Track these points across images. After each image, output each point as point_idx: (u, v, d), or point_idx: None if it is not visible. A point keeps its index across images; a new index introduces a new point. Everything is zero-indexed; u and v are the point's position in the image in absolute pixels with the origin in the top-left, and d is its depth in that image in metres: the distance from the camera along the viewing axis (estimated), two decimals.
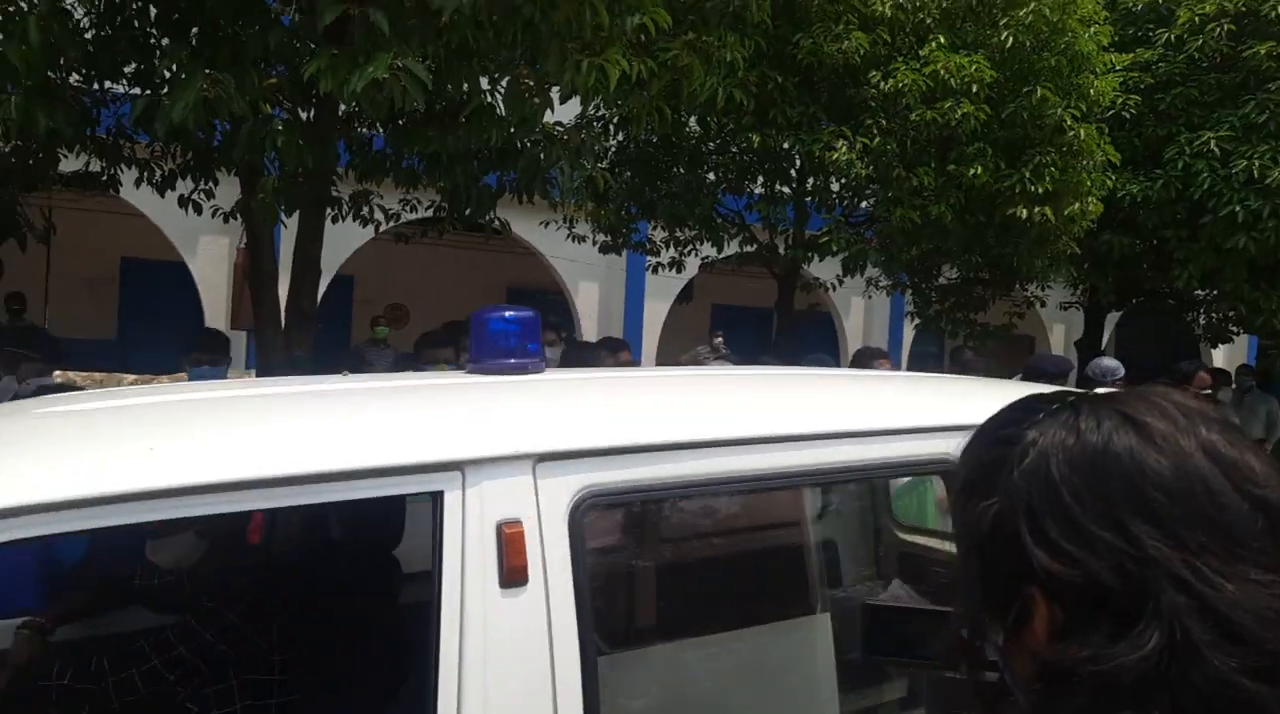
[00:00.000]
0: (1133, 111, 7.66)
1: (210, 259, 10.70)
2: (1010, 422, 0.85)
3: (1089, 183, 6.52)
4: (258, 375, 5.16)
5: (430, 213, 6.26)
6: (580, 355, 4.70)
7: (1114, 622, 0.71)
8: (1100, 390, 0.91)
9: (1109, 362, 6.80)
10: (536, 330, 1.83)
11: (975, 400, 1.96)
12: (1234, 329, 9.16)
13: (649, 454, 1.56)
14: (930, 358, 16.42)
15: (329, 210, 5.27)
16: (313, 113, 4.62)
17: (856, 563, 2.50)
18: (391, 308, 12.78)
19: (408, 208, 6.37)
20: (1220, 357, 14.02)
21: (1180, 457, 0.74)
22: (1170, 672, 0.69)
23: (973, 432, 0.91)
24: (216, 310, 10.79)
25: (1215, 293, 8.35)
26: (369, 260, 11.12)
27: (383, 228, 6.22)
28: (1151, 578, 0.71)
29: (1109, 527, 0.73)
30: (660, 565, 2.11)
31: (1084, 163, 6.38)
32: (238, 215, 4.99)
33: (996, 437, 0.85)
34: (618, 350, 4.86)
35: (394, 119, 4.71)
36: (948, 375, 3.83)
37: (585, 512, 1.48)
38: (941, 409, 1.90)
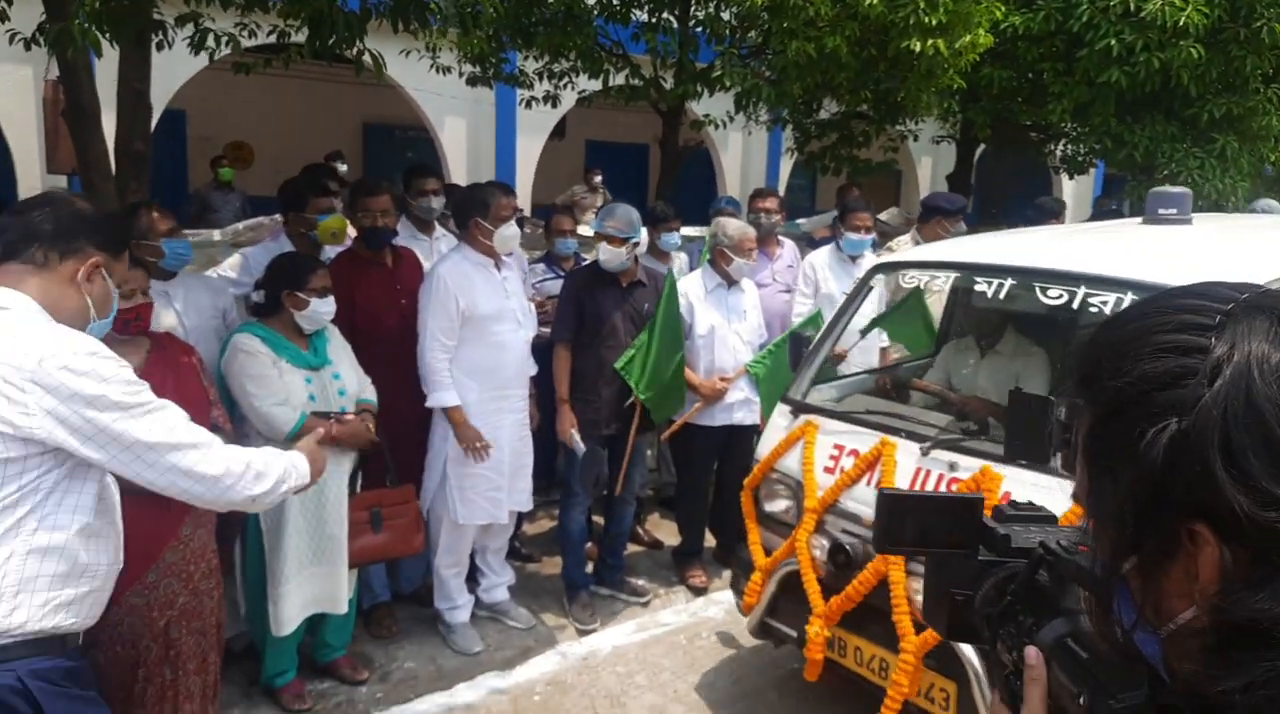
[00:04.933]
0: None
1: (11, 92, 9.26)
2: (1179, 326, 0.68)
3: (979, 14, 6.34)
4: None
5: (273, 39, 5.48)
6: (477, 194, 4.23)
7: None
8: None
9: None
10: None
11: None
12: (1094, 162, 9.46)
13: None
14: (801, 189, 16.56)
15: (153, 36, 4.51)
16: None
17: None
18: (233, 147, 11.62)
19: (245, 33, 5.55)
20: (1069, 188, 14.68)
21: None
22: None
23: (1108, 333, 0.72)
24: (27, 153, 9.48)
25: (1082, 127, 8.52)
26: (202, 92, 9.94)
27: (219, 56, 5.42)
28: None
29: None
30: None
31: None
32: (41, 42, 4.20)
33: (1164, 344, 0.67)
34: (510, 193, 4.46)
35: None
36: None
37: None
38: None
